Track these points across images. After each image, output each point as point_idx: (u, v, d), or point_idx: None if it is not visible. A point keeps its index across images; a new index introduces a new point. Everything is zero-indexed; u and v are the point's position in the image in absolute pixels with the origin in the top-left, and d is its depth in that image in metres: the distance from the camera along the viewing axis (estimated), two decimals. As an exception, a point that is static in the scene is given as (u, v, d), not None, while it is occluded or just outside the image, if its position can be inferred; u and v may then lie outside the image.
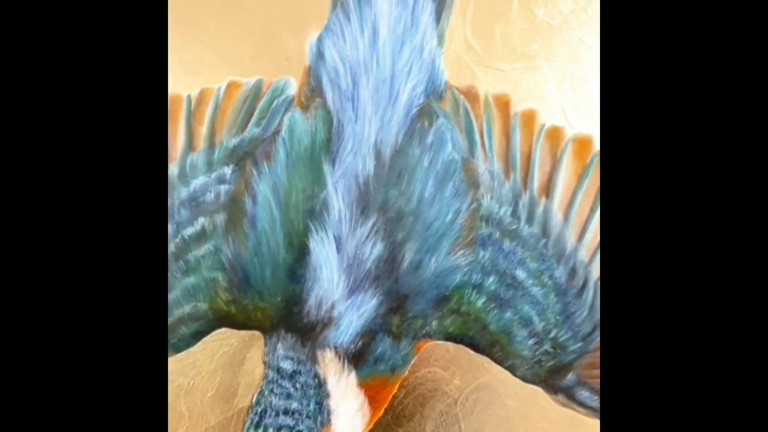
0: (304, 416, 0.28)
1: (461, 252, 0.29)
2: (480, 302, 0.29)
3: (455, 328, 0.29)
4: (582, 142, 0.30)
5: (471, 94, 0.31)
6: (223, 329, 0.30)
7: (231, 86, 0.32)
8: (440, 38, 0.32)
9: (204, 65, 0.40)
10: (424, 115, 0.30)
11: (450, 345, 0.30)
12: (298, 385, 0.28)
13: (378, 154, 0.29)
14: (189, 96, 0.32)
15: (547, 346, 0.28)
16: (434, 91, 0.31)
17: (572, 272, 0.29)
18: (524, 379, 0.29)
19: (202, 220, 0.29)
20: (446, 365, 0.37)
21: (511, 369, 0.29)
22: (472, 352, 0.29)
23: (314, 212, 0.29)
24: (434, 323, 0.29)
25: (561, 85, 0.39)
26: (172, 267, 0.29)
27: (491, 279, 0.29)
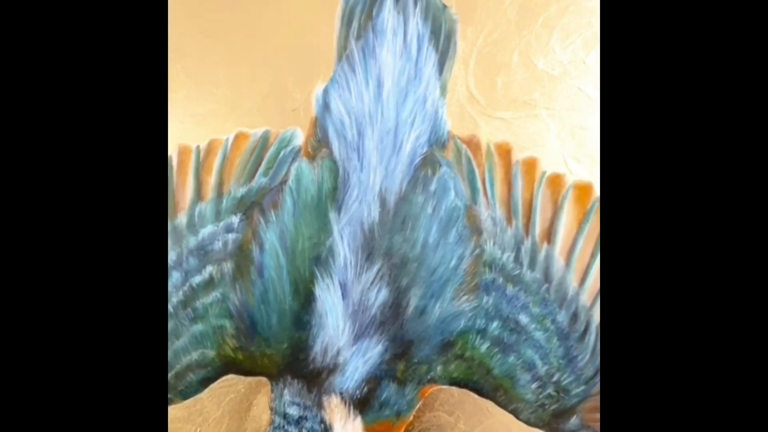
0: None
1: (465, 297, 0.29)
2: (484, 347, 0.29)
3: (459, 373, 0.29)
4: (582, 189, 0.30)
5: (473, 143, 0.31)
6: (230, 376, 0.29)
7: (239, 137, 0.32)
8: (443, 89, 0.32)
9: (213, 117, 0.40)
10: (427, 163, 0.30)
11: (454, 389, 0.29)
12: (304, 431, 0.28)
13: (383, 202, 0.29)
14: (198, 147, 0.32)
15: (550, 390, 0.28)
16: (437, 141, 0.31)
17: (574, 317, 0.29)
18: (528, 422, 0.29)
19: (210, 269, 0.29)
20: (451, 410, 0.36)
21: (515, 413, 0.29)
22: (476, 396, 0.29)
23: (320, 259, 0.29)
24: (439, 368, 0.29)
25: (561, 133, 0.40)
26: (180, 314, 0.29)
27: (495, 324, 0.29)
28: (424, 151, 0.30)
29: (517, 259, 0.29)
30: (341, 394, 0.28)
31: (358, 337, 0.28)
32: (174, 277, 0.29)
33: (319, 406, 0.28)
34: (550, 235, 0.30)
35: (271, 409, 0.29)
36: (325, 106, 0.31)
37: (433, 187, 0.30)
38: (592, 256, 0.30)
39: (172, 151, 0.32)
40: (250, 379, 0.31)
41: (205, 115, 0.40)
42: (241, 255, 0.29)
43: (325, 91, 0.31)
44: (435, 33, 0.32)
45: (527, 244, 0.30)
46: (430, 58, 0.32)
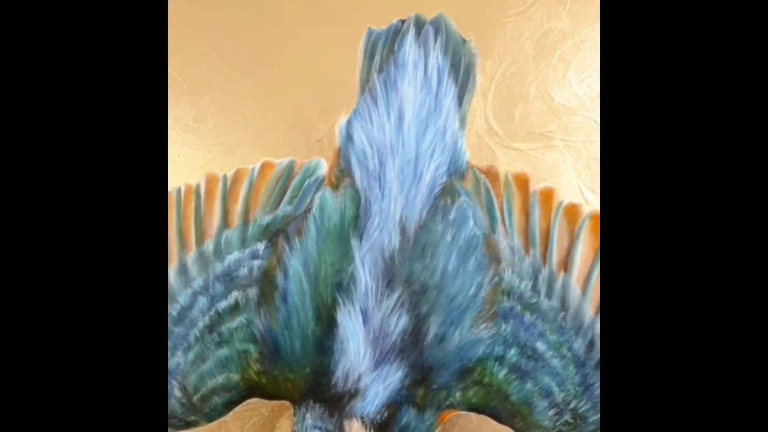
0: None
1: (484, 325, 0.29)
2: (502, 374, 0.28)
3: (478, 399, 0.29)
4: (598, 219, 0.30)
5: (491, 173, 0.32)
6: (254, 399, 0.30)
7: (265, 166, 0.32)
8: (462, 121, 0.32)
9: (239, 146, 0.41)
10: (446, 193, 0.30)
11: (473, 415, 0.29)
12: None
13: (403, 230, 0.29)
14: (225, 176, 0.32)
15: (567, 417, 0.28)
16: (456, 171, 0.31)
17: (591, 344, 0.29)
18: (545, 450, 0.28)
19: (235, 294, 0.29)
20: (469, 435, 0.36)
21: None
22: (494, 422, 0.29)
23: (342, 286, 0.29)
24: (458, 394, 0.29)
25: (577, 164, 0.40)
26: (206, 339, 0.29)
27: (512, 351, 0.29)
28: (444, 180, 0.31)
29: (534, 287, 0.29)
30: (362, 418, 0.28)
31: (378, 362, 0.28)
32: (200, 302, 0.29)
33: (341, 430, 0.28)
34: (566, 264, 0.30)
35: (294, 432, 0.29)
36: (348, 137, 0.31)
37: (452, 215, 0.30)
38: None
39: (200, 179, 0.32)
40: (273, 402, 0.31)
41: (233, 145, 0.41)
42: (266, 281, 0.29)
43: (348, 123, 0.32)
44: (455, 66, 0.32)
45: (544, 273, 0.30)
46: (449, 91, 0.32)
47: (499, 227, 0.30)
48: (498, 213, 0.31)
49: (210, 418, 0.29)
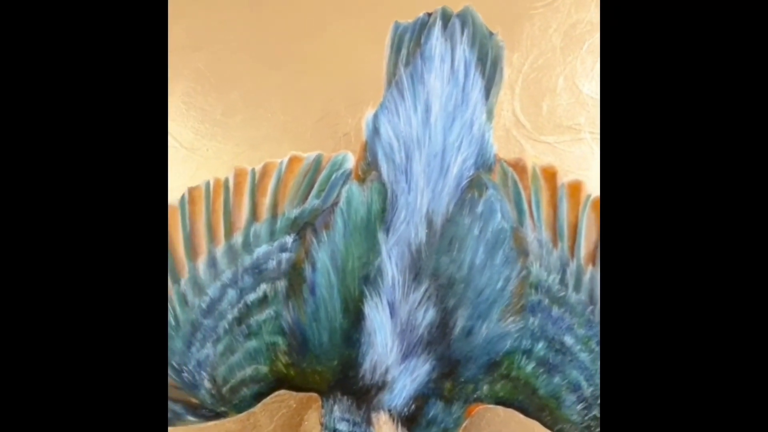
0: None
1: (511, 318, 0.29)
2: (529, 367, 0.28)
3: (505, 393, 0.29)
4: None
5: (519, 166, 0.31)
6: (282, 391, 0.30)
7: (293, 160, 0.32)
8: (489, 114, 0.32)
9: (267, 141, 0.41)
10: (474, 186, 0.30)
11: (500, 409, 0.29)
12: None
13: (430, 223, 0.29)
14: (253, 169, 0.32)
15: (595, 412, 0.28)
16: (484, 164, 0.31)
17: None
18: (574, 443, 0.28)
19: (264, 287, 0.30)
20: (497, 429, 0.36)
21: None
22: (522, 416, 0.29)
23: (369, 278, 0.29)
24: (485, 388, 0.29)
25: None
26: (235, 331, 0.29)
27: (540, 345, 0.29)
28: (471, 174, 0.30)
29: (562, 280, 0.29)
30: (389, 411, 0.28)
31: (406, 355, 0.28)
32: (229, 295, 0.30)
33: (368, 422, 0.28)
34: (594, 257, 0.30)
35: (322, 424, 0.29)
36: (375, 131, 0.31)
37: (479, 209, 0.30)
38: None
39: (229, 173, 0.32)
40: (301, 394, 0.31)
41: (261, 139, 0.41)
42: (294, 274, 0.29)
43: (375, 117, 0.32)
44: (482, 59, 0.32)
45: (572, 266, 0.29)
46: (476, 84, 0.32)
47: (527, 220, 0.30)
48: (526, 206, 0.30)
49: (239, 409, 0.29)
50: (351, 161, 0.32)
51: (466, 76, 0.32)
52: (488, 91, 0.32)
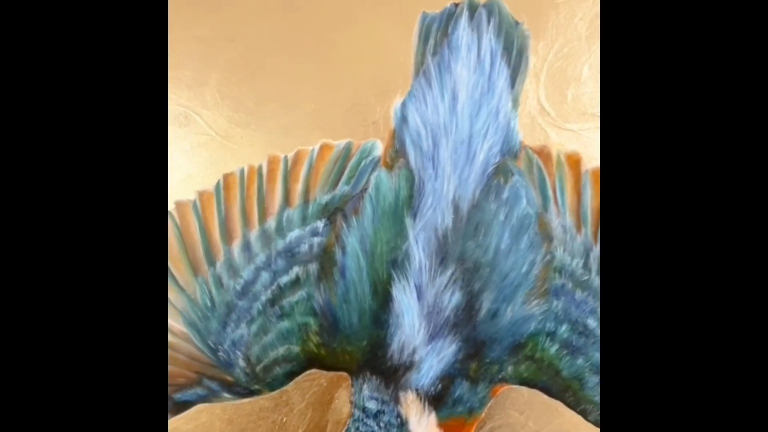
0: None
1: (536, 302, 0.29)
2: (553, 349, 0.29)
3: (529, 374, 0.29)
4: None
5: (544, 153, 0.31)
6: (313, 370, 0.30)
7: (323, 148, 0.32)
8: (515, 102, 0.32)
9: (299, 129, 0.41)
10: (500, 172, 0.30)
11: (525, 389, 0.29)
12: (382, 424, 0.28)
13: (456, 209, 0.30)
14: (286, 157, 0.32)
15: None
16: (509, 151, 0.31)
17: None
18: (596, 424, 0.28)
19: (296, 269, 0.30)
20: (521, 409, 0.36)
21: (584, 414, 0.29)
22: (546, 396, 0.29)
23: (397, 262, 0.29)
24: (510, 368, 0.29)
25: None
26: (268, 312, 0.30)
27: (564, 327, 0.29)
28: (497, 160, 0.31)
29: (585, 265, 0.29)
30: (417, 390, 0.29)
31: (432, 337, 0.29)
32: (263, 277, 0.30)
33: (396, 401, 0.29)
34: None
35: (352, 402, 0.29)
36: (403, 119, 0.32)
37: (505, 195, 0.30)
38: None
39: (263, 160, 0.32)
40: (332, 373, 0.31)
41: (292, 127, 0.41)
42: (325, 257, 0.30)
43: (403, 105, 0.32)
44: (507, 48, 0.32)
45: (596, 251, 0.29)
46: (502, 73, 0.32)
47: (552, 206, 0.30)
48: (550, 192, 0.31)
49: (272, 387, 0.30)
50: (380, 148, 0.32)
51: (492, 65, 0.32)
52: (514, 79, 0.32)
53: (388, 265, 0.29)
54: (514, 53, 0.32)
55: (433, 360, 0.29)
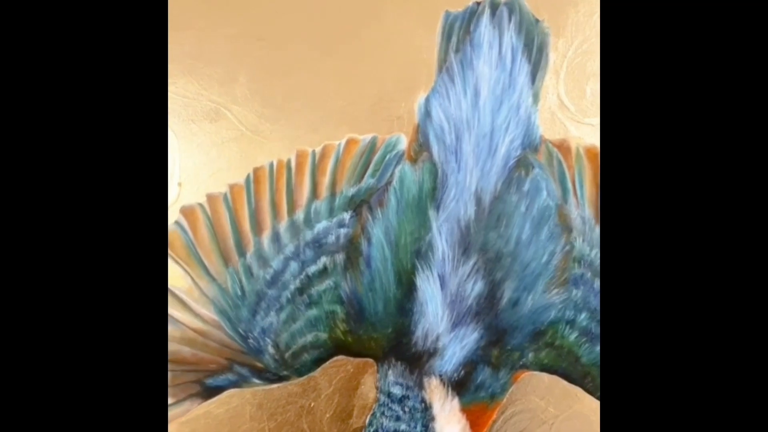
0: None
1: (556, 290, 0.29)
2: (572, 337, 0.29)
3: (550, 360, 0.29)
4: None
5: (564, 147, 0.32)
6: (340, 357, 0.31)
7: (350, 142, 0.33)
8: (535, 97, 0.32)
9: (326, 124, 0.41)
10: (521, 165, 0.31)
11: (545, 375, 0.29)
12: (406, 409, 0.29)
13: (478, 201, 0.30)
14: (313, 151, 0.33)
15: None
16: (530, 145, 0.31)
17: None
18: (614, 409, 0.29)
19: (324, 259, 0.30)
20: (542, 394, 0.36)
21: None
22: (566, 382, 0.30)
23: (421, 253, 0.30)
24: (530, 355, 0.29)
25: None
26: (297, 300, 0.30)
27: (583, 315, 0.29)
28: (518, 154, 0.31)
29: None
30: (440, 376, 0.29)
31: (455, 324, 0.29)
32: (292, 267, 0.30)
33: (420, 386, 0.29)
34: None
35: (377, 388, 0.30)
36: (427, 114, 0.32)
37: (526, 187, 0.30)
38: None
39: (291, 154, 0.33)
40: (358, 360, 0.32)
41: (319, 123, 0.41)
42: (352, 248, 0.30)
43: (427, 100, 0.32)
44: (528, 45, 0.32)
45: None
46: (523, 69, 0.32)
47: (571, 198, 0.30)
48: (570, 184, 0.31)
49: (300, 373, 0.30)
50: (404, 143, 0.32)
51: (513, 61, 0.32)
52: (534, 75, 0.32)
53: (412, 256, 0.30)
54: (534, 50, 0.32)
55: (456, 347, 0.29)
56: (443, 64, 0.33)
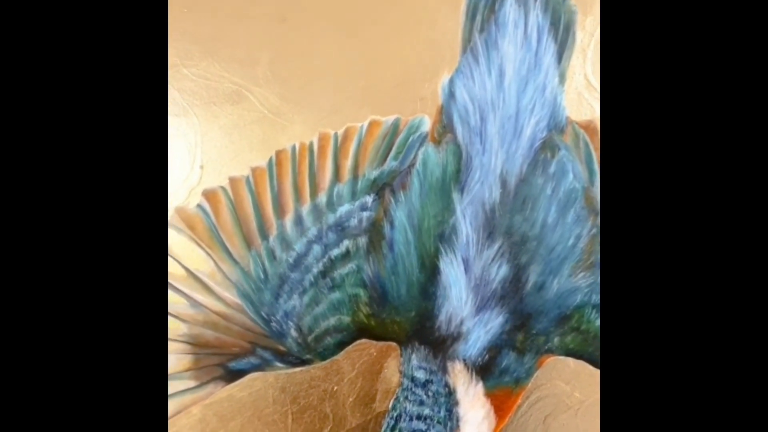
0: (435, 422, 0.29)
1: (582, 274, 0.29)
2: (598, 321, 0.29)
3: (575, 345, 0.29)
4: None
5: (590, 128, 0.31)
6: (363, 340, 0.31)
7: (372, 124, 0.33)
8: (561, 77, 0.32)
9: (348, 105, 0.41)
10: (546, 147, 0.30)
11: (570, 360, 0.29)
12: (430, 393, 0.29)
13: (504, 183, 0.30)
14: (336, 133, 0.33)
15: None
16: (556, 126, 0.31)
17: None
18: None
19: (346, 243, 0.30)
20: (567, 379, 0.36)
21: None
22: (591, 367, 0.30)
23: (444, 236, 0.29)
24: (556, 340, 0.29)
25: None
26: (320, 284, 0.30)
27: None
28: (544, 135, 0.31)
29: None
30: (464, 360, 0.29)
31: (480, 308, 0.29)
32: (315, 250, 0.31)
33: (444, 371, 0.29)
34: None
35: (401, 372, 0.30)
36: (451, 95, 0.32)
37: (552, 169, 0.30)
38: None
39: (313, 137, 0.33)
40: (381, 344, 0.32)
41: (342, 104, 0.41)
42: (374, 231, 0.30)
43: (451, 81, 0.32)
44: (554, 24, 0.32)
45: None
46: (549, 49, 0.32)
47: (598, 180, 0.30)
48: (596, 166, 0.30)
49: (323, 356, 0.30)
50: (427, 124, 0.32)
51: (539, 41, 0.31)
52: (560, 55, 0.32)
53: (436, 239, 0.29)
54: (561, 29, 0.32)
55: (480, 331, 0.29)
56: (467, 44, 0.32)
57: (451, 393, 0.29)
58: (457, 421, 0.29)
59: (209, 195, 0.32)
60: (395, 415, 0.29)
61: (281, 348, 0.30)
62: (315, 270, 0.30)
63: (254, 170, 0.33)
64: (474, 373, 0.29)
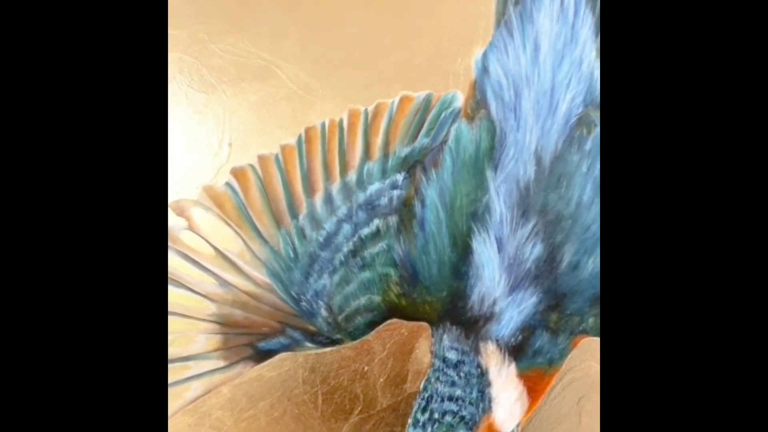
0: (467, 403, 0.29)
1: None
2: None
3: None
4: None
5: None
6: (394, 320, 0.31)
7: (403, 100, 0.33)
8: (599, 51, 0.31)
9: (379, 81, 0.41)
10: (582, 123, 0.30)
11: (605, 341, 0.29)
12: (462, 374, 0.29)
13: (538, 161, 0.29)
14: (366, 110, 0.33)
15: None
16: (593, 101, 0.30)
17: None
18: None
19: (377, 222, 0.30)
20: (602, 361, 0.36)
21: None
22: (627, 348, 0.29)
23: (477, 215, 0.29)
24: (590, 320, 0.29)
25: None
26: (350, 263, 0.30)
27: None
28: (580, 111, 0.30)
29: None
30: (497, 341, 0.29)
31: (513, 288, 0.29)
32: (345, 229, 0.31)
33: (476, 351, 0.29)
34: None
35: (432, 352, 0.30)
36: (484, 70, 0.31)
37: (588, 146, 0.29)
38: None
39: (343, 113, 0.33)
40: (412, 323, 0.32)
41: (372, 80, 0.41)
42: (405, 210, 0.30)
43: (484, 56, 0.31)
44: None
45: None
46: (586, 21, 0.31)
47: None
48: None
49: (353, 336, 0.31)
50: (460, 100, 0.32)
51: (575, 13, 0.31)
52: (599, 28, 0.31)
53: (468, 218, 0.29)
54: (599, 1, 0.31)
55: (513, 311, 0.29)
56: (501, 17, 0.32)
57: (483, 374, 0.29)
58: (490, 402, 0.29)
59: (238, 173, 0.32)
60: (426, 396, 0.29)
61: (311, 328, 0.30)
62: (345, 249, 0.30)
63: (283, 148, 0.33)
64: (507, 354, 0.29)
